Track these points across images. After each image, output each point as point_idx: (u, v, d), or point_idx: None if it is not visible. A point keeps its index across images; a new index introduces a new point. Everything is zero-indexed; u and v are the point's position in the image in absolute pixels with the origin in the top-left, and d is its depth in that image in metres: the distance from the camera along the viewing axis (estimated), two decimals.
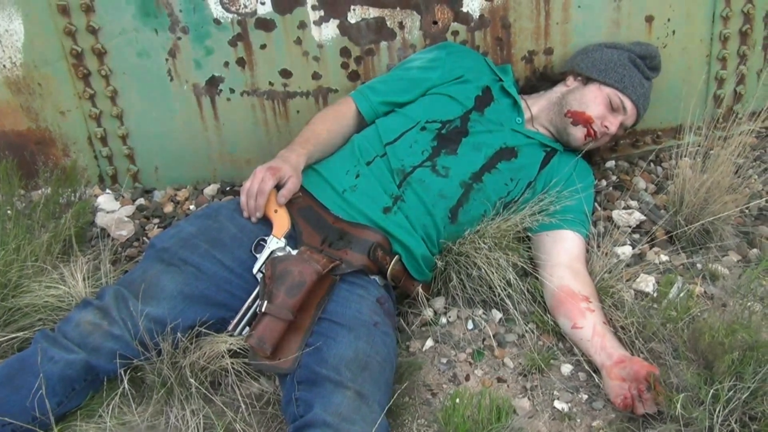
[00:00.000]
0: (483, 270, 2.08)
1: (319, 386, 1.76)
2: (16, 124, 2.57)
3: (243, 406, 1.86)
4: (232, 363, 1.86)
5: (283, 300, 1.86)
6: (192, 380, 1.83)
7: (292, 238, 2.03)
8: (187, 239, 2.00)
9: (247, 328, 1.91)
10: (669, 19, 2.54)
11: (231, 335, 1.90)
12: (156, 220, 2.51)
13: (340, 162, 2.20)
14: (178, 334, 1.84)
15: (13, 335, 1.96)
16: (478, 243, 2.09)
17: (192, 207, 2.54)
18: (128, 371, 1.83)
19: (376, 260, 2.03)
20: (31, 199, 2.44)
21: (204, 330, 1.88)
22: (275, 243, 2.00)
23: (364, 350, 1.84)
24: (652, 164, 2.74)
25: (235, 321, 1.92)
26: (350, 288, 1.98)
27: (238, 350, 1.88)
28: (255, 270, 1.97)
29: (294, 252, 1.98)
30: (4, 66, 2.46)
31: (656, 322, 1.95)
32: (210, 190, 2.61)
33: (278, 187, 2.06)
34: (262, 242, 2.02)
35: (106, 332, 1.82)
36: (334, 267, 1.96)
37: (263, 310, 1.86)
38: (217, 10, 2.37)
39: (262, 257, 1.98)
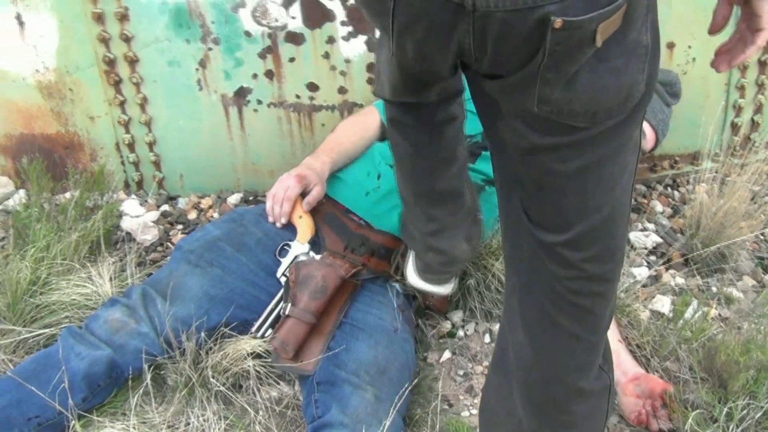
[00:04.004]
0: (502, 282, 2.11)
1: (337, 388, 1.80)
2: (46, 127, 2.62)
3: (263, 409, 1.89)
4: (254, 365, 1.89)
5: (306, 303, 1.90)
6: (214, 381, 1.87)
7: (316, 244, 2.07)
8: (212, 242, 2.05)
9: (270, 331, 1.95)
10: (690, 47, 2.58)
11: (254, 337, 1.93)
12: (180, 227, 2.54)
13: (360, 166, 2.25)
14: (202, 334, 1.88)
15: (41, 331, 1.99)
16: (498, 254, 2.12)
17: (215, 215, 2.57)
18: (151, 368, 1.87)
19: (398, 267, 2.07)
20: (57, 202, 2.48)
21: (228, 331, 1.92)
22: (299, 248, 2.04)
23: (383, 355, 1.87)
24: (669, 188, 2.78)
25: (258, 323, 1.96)
26: (371, 294, 2.02)
27: (260, 352, 1.91)
28: (279, 274, 2.01)
29: (317, 257, 2.02)
30: (37, 70, 2.51)
31: (672, 341, 1.98)
32: (233, 199, 2.65)
33: (303, 194, 2.11)
34: (286, 247, 2.06)
35: (133, 330, 1.86)
36: (356, 272, 2.00)
37: (287, 312, 1.91)
38: (248, 23, 2.42)
39: (285, 261, 2.02)
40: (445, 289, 2.01)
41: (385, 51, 1.32)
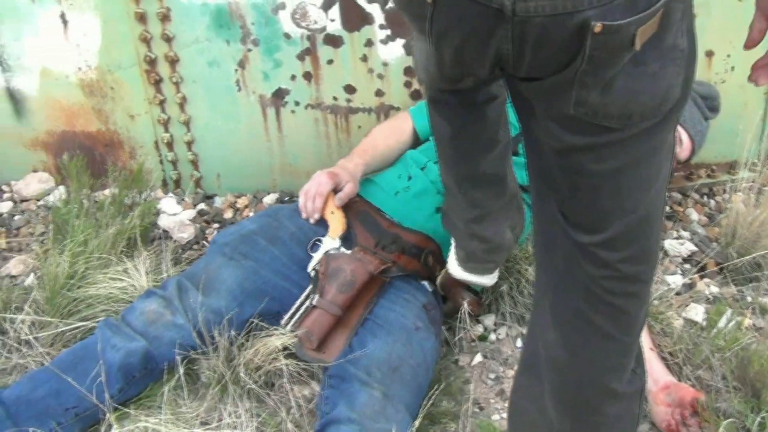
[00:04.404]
0: None
1: (346, 383, 1.82)
2: (87, 125, 2.66)
3: (294, 408, 1.91)
4: (288, 365, 1.91)
5: (333, 296, 1.93)
6: (246, 378, 1.88)
7: (348, 240, 2.10)
8: (247, 235, 2.08)
9: None
10: (729, 55, 2.57)
11: (284, 329, 1.95)
12: (216, 225, 2.57)
13: (392, 170, 2.29)
14: (232, 332, 1.90)
15: (79, 324, 2.02)
16: (532, 259, 2.12)
17: (251, 215, 2.60)
18: (184, 361, 1.89)
19: (427, 266, 2.08)
20: (95, 199, 2.52)
21: (259, 323, 1.95)
22: (330, 243, 2.06)
23: (398, 353, 1.88)
24: (705, 197, 2.76)
25: (288, 315, 1.98)
26: (398, 292, 2.03)
27: (290, 347, 1.93)
28: (309, 269, 2.03)
29: (348, 252, 2.05)
30: (79, 68, 2.55)
31: (705, 350, 1.97)
32: (269, 199, 2.68)
33: (336, 191, 2.14)
34: (318, 242, 2.09)
35: (169, 321, 1.89)
36: (385, 269, 2.02)
37: (314, 303, 1.94)
38: (288, 25, 2.44)
39: (316, 256, 2.04)
40: (488, 280, 2.02)
41: (420, 44, 1.34)
